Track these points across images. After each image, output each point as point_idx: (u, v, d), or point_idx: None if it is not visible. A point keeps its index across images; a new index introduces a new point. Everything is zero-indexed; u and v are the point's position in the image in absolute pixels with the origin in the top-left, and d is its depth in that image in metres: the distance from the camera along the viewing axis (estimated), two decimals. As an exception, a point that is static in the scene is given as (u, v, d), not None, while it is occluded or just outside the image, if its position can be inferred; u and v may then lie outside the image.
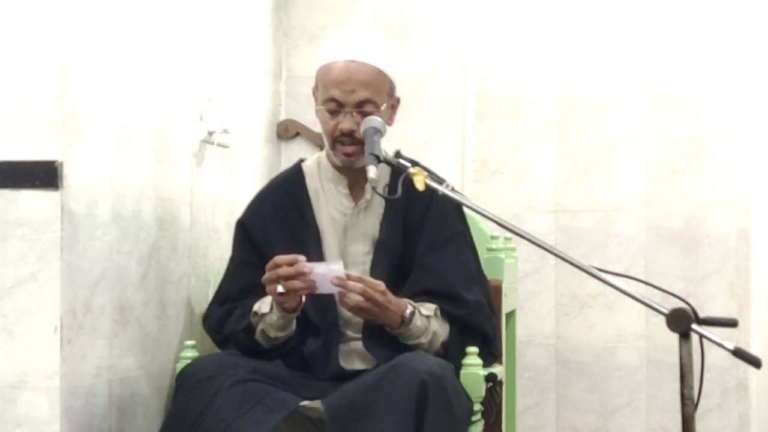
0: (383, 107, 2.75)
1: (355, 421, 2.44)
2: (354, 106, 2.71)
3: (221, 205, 3.32)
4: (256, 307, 2.69)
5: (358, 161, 2.74)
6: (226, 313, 2.80)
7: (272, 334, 2.67)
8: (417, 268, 2.76)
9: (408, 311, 2.63)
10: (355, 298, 2.58)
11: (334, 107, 2.72)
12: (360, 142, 2.70)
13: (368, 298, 2.58)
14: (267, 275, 2.57)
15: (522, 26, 3.88)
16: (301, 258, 2.55)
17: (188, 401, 2.52)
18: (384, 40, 2.96)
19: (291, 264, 2.54)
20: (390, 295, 2.63)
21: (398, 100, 2.84)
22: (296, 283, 2.54)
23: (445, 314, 2.72)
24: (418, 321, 2.64)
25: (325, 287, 2.57)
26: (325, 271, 2.55)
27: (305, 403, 2.59)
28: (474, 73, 3.90)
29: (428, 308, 2.69)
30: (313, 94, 2.83)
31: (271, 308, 2.65)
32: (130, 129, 2.78)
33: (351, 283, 2.57)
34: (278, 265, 2.55)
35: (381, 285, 2.61)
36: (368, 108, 2.72)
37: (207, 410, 2.47)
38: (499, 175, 3.89)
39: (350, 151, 2.74)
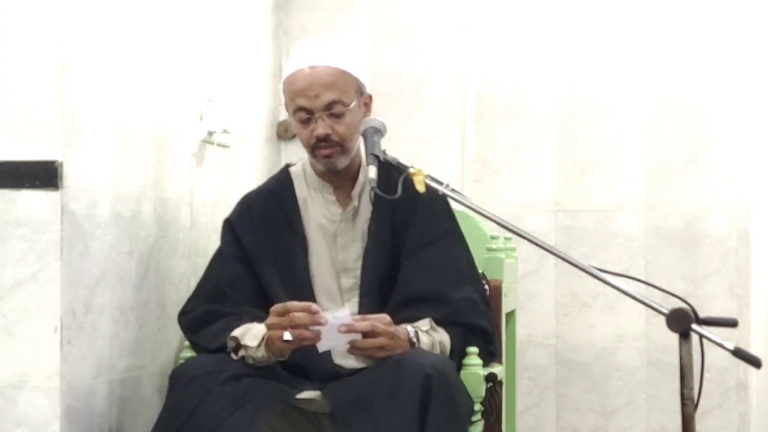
0: (353, 105, 2.72)
1: (359, 413, 2.42)
2: (322, 109, 2.69)
3: (221, 205, 3.32)
4: (237, 333, 2.60)
5: (339, 161, 2.73)
6: (208, 317, 2.73)
7: (251, 362, 2.59)
8: (405, 268, 2.74)
9: (411, 332, 2.60)
10: (371, 342, 2.51)
11: (305, 116, 2.70)
12: (337, 144, 2.70)
13: (380, 333, 2.53)
14: (277, 320, 2.49)
15: (522, 26, 3.88)
16: (315, 307, 2.48)
17: (181, 399, 2.49)
18: (345, 41, 2.94)
19: (304, 311, 2.47)
20: (393, 325, 2.58)
21: (370, 98, 2.81)
22: (306, 333, 2.47)
23: (438, 321, 2.70)
24: (424, 338, 2.62)
25: (330, 337, 2.48)
26: (331, 320, 2.47)
27: (302, 395, 2.56)
28: (474, 73, 3.90)
29: (424, 323, 2.67)
30: (286, 108, 2.83)
31: (259, 345, 2.55)
32: (130, 129, 2.78)
33: (359, 325, 2.51)
34: (289, 311, 2.48)
35: (385, 317, 2.58)
36: (337, 109, 2.69)
37: (199, 407, 2.45)
38: (499, 175, 3.89)
39: (328, 153, 2.71)
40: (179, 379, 2.55)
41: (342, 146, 2.70)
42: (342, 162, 2.73)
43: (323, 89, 2.68)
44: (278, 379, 2.60)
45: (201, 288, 2.84)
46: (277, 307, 2.51)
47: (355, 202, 2.80)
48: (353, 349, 2.53)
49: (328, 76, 2.70)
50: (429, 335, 2.64)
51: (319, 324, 2.45)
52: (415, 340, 2.59)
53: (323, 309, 2.52)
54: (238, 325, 2.63)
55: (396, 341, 2.55)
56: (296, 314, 2.47)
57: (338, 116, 2.69)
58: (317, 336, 2.47)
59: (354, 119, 2.71)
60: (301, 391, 2.58)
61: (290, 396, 2.55)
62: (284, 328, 2.47)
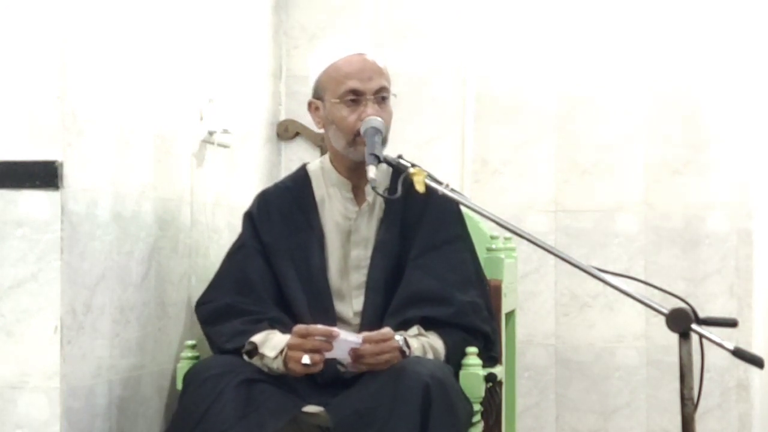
0: (391, 98, 2.78)
1: (361, 427, 2.44)
2: (373, 93, 2.73)
3: (221, 205, 3.32)
4: (257, 340, 2.61)
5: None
6: (227, 311, 2.74)
7: (266, 370, 2.62)
8: (409, 269, 2.75)
9: (400, 341, 2.60)
10: (377, 360, 2.54)
11: (354, 98, 2.73)
12: (379, 131, 2.70)
13: (385, 351, 2.55)
14: (298, 342, 2.51)
15: (522, 26, 3.89)
16: (336, 332, 2.50)
17: (195, 399, 2.51)
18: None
19: (325, 336, 2.49)
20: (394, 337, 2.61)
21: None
22: (321, 359, 2.51)
23: (433, 320, 2.70)
24: (414, 343, 2.63)
25: (336, 352, 2.54)
26: (343, 338, 2.52)
27: (308, 408, 2.58)
28: (474, 73, 3.90)
29: (411, 330, 2.68)
30: (310, 107, 2.83)
31: (276, 357, 2.57)
32: (130, 129, 2.78)
33: (366, 349, 2.53)
34: (311, 334, 2.50)
35: (388, 332, 2.59)
36: (384, 95, 2.75)
37: (212, 408, 2.47)
38: (499, 175, 3.89)
39: None
40: (194, 379, 2.57)
41: (382, 135, 2.69)
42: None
43: (375, 74, 2.75)
44: (287, 387, 2.61)
45: (222, 279, 2.84)
46: (299, 329, 2.53)
47: (369, 199, 2.81)
48: (356, 365, 2.55)
49: (377, 64, 2.78)
50: (418, 339, 2.65)
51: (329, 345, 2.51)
52: (405, 348, 2.59)
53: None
54: (256, 329, 2.65)
55: (396, 352, 2.57)
56: (317, 339, 2.49)
57: (384, 103, 2.74)
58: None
59: (391, 112, 2.77)
60: (307, 404, 2.59)
61: (297, 408, 2.56)
62: (305, 351, 2.50)
